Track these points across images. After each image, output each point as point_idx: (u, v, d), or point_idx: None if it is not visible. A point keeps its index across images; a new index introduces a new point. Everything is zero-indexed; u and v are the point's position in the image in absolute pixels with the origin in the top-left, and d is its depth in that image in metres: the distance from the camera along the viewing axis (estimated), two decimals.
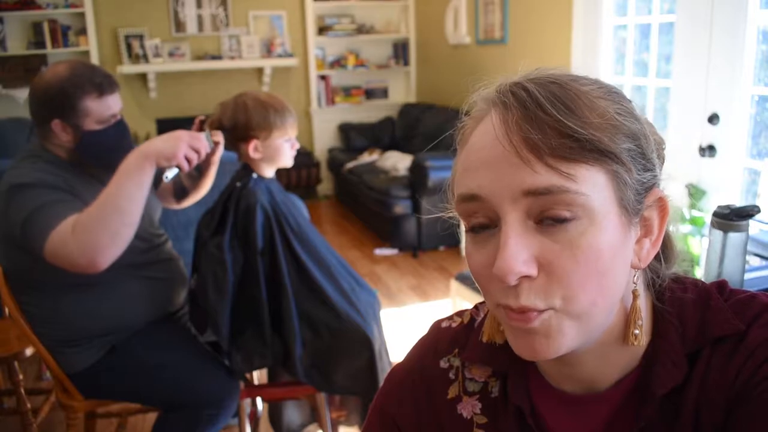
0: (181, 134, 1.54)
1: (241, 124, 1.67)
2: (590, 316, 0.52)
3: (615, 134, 0.52)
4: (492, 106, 0.55)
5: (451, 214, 0.63)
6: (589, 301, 0.51)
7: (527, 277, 0.51)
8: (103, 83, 1.57)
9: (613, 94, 0.55)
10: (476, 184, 0.53)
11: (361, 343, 1.70)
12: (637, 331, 0.56)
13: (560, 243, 0.51)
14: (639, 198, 0.54)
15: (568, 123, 0.50)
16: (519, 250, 0.50)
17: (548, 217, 0.51)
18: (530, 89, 0.52)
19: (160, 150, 1.50)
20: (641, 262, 0.56)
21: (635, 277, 0.57)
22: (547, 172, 0.50)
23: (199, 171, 1.88)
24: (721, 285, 0.60)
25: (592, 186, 0.50)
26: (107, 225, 1.43)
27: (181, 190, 1.95)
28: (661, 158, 0.61)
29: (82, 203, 1.52)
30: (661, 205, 0.56)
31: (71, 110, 1.54)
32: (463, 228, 0.58)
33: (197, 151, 1.56)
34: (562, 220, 0.50)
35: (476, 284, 0.57)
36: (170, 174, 1.63)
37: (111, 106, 1.60)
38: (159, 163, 1.51)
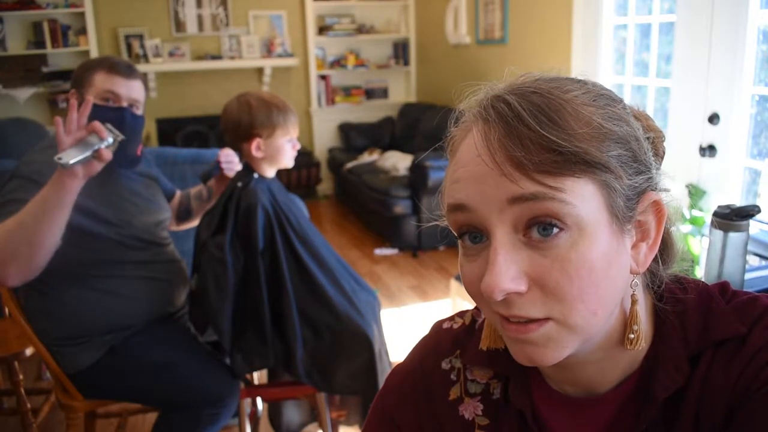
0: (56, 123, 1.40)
1: (244, 122, 1.68)
2: (590, 325, 0.52)
3: (602, 142, 0.51)
4: (475, 120, 0.54)
5: (446, 223, 0.63)
6: (589, 312, 0.51)
7: (516, 292, 0.50)
8: (118, 64, 1.64)
9: (600, 97, 0.54)
10: (464, 194, 0.53)
11: (362, 344, 1.70)
12: (632, 335, 0.55)
13: (550, 257, 0.50)
14: (630, 204, 0.53)
15: (551, 137, 0.49)
16: (507, 267, 0.50)
17: (536, 223, 0.50)
18: (511, 102, 0.51)
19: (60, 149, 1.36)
20: (639, 267, 0.55)
21: (633, 282, 0.56)
22: (534, 186, 0.49)
23: (210, 195, 1.95)
24: (723, 287, 0.60)
25: (580, 197, 0.49)
26: (13, 245, 1.38)
27: (186, 212, 1.99)
28: (661, 152, 0.60)
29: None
30: (657, 208, 0.55)
31: (81, 80, 1.62)
32: None
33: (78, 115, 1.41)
34: (550, 228, 0.49)
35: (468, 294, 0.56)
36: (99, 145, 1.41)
37: (116, 85, 1.62)
38: (73, 168, 1.37)
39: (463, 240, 0.55)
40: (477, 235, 0.53)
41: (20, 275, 1.42)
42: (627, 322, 0.56)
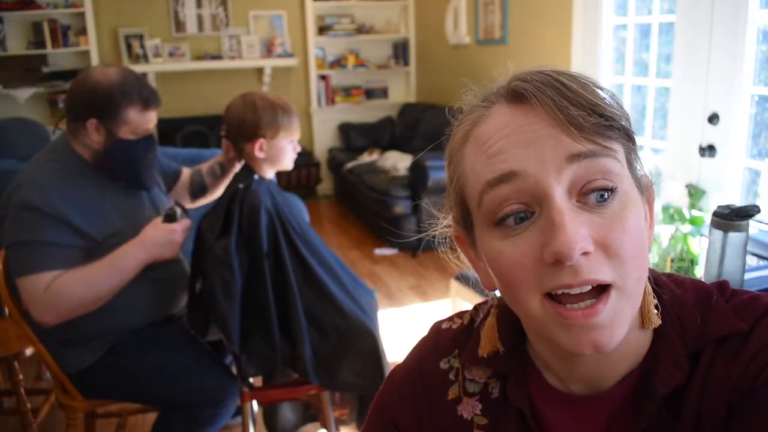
0: (174, 233, 1.62)
1: (249, 122, 1.67)
2: (637, 294, 0.53)
3: (623, 117, 0.54)
4: (498, 98, 0.56)
5: (445, 226, 0.63)
6: (636, 277, 0.52)
7: (585, 253, 0.49)
8: (149, 98, 1.60)
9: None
10: (514, 161, 0.51)
11: (367, 340, 1.70)
12: (655, 311, 0.57)
13: (608, 218, 0.50)
14: (642, 179, 0.56)
15: (597, 101, 0.51)
16: (577, 225, 0.49)
17: (593, 189, 0.51)
18: (551, 74, 0.53)
19: (161, 255, 1.61)
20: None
21: None
22: (590, 144, 0.51)
23: (223, 170, 1.94)
24: (722, 285, 0.60)
25: (623, 160, 0.53)
26: (80, 303, 1.52)
27: (200, 188, 1.97)
28: None
29: (73, 249, 1.54)
30: (649, 192, 0.58)
31: (112, 115, 1.56)
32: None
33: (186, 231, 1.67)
34: (606, 193, 0.51)
35: (502, 285, 0.54)
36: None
37: (149, 120, 1.63)
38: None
39: (503, 222, 0.53)
40: (522, 214, 0.52)
41: (61, 321, 1.54)
42: (644, 300, 0.56)
